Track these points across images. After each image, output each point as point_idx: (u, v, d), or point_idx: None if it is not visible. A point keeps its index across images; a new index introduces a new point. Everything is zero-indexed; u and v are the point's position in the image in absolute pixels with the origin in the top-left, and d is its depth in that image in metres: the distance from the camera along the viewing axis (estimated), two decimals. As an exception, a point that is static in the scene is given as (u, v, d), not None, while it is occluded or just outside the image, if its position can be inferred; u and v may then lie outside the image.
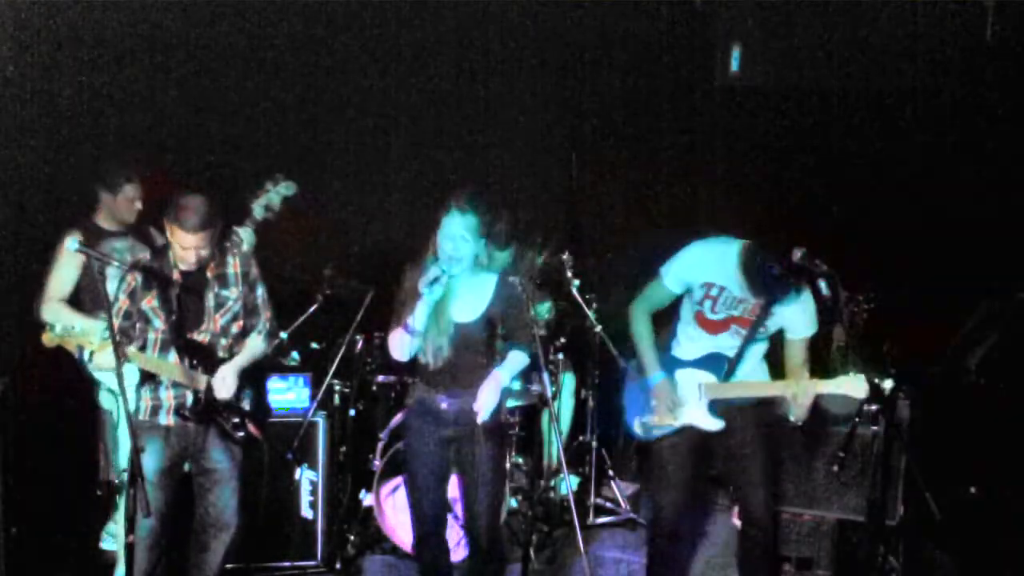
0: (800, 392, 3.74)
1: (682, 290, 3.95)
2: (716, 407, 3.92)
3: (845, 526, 4.64)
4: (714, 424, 3.92)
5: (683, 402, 3.92)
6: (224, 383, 3.78)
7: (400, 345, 3.71)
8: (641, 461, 5.63)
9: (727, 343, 3.92)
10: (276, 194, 4.67)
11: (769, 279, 3.70)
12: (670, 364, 3.98)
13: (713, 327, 3.91)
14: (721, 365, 3.91)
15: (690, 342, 3.99)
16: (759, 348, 3.98)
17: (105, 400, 4.36)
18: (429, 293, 3.58)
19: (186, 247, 3.68)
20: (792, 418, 3.88)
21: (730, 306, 3.87)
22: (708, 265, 3.87)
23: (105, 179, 4.39)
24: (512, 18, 6.11)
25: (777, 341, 3.99)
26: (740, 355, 3.91)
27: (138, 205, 4.42)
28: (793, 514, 4.69)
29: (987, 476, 4.46)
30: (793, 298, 3.79)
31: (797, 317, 3.85)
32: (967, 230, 5.76)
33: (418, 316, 3.61)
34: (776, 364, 4.01)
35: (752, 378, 3.97)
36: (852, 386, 3.72)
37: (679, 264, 3.92)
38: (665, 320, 4.08)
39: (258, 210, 4.60)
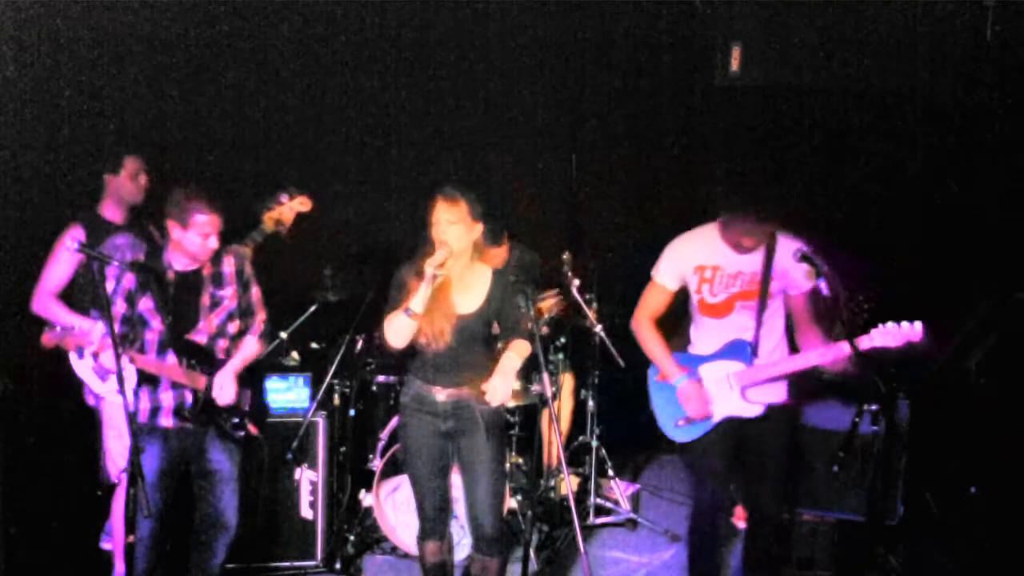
0: (833, 354, 3.65)
1: (676, 284, 3.93)
2: (751, 393, 3.85)
3: (845, 526, 4.64)
4: (752, 409, 3.85)
5: (714, 398, 3.86)
6: (223, 391, 3.80)
7: (398, 329, 3.62)
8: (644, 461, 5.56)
9: (739, 324, 3.86)
10: (289, 210, 4.56)
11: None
12: (692, 362, 3.93)
13: (718, 311, 3.87)
14: (744, 350, 3.85)
15: (703, 336, 3.94)
16: (777, 324, 3.90)
17: (90, 400, 4.35)
18: (434, 274, 3.53)
19: (209, 231, 3.69)
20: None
21: (727, 284, 3.84)
22: (694, 249, 3.89)
23: (106, 160, 4.36)
24: (512, 18, 6.10)
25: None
26: (758, 334, 3.85)
27: (143, 180, 4.37)
28: (793, 514, 4.68)
29: (987, 476, 4.46)
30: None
31: (797, 271, 3.79)
32: (967, 230, 5.76)
33: (419, 299, 3.56)
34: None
35: (777, 354, 3.89)
36: (884, 337, 3.58)
37: (666, 259, 3.93)
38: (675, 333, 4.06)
39: (268, 223, 4.51)
